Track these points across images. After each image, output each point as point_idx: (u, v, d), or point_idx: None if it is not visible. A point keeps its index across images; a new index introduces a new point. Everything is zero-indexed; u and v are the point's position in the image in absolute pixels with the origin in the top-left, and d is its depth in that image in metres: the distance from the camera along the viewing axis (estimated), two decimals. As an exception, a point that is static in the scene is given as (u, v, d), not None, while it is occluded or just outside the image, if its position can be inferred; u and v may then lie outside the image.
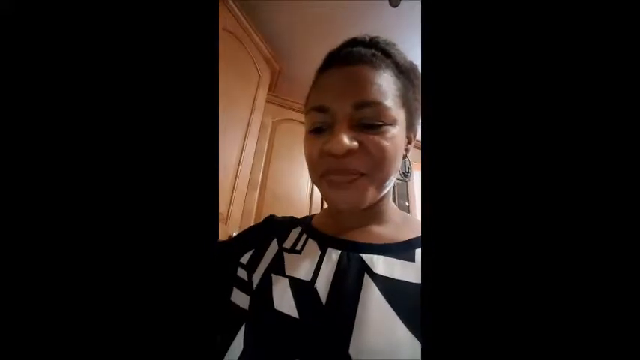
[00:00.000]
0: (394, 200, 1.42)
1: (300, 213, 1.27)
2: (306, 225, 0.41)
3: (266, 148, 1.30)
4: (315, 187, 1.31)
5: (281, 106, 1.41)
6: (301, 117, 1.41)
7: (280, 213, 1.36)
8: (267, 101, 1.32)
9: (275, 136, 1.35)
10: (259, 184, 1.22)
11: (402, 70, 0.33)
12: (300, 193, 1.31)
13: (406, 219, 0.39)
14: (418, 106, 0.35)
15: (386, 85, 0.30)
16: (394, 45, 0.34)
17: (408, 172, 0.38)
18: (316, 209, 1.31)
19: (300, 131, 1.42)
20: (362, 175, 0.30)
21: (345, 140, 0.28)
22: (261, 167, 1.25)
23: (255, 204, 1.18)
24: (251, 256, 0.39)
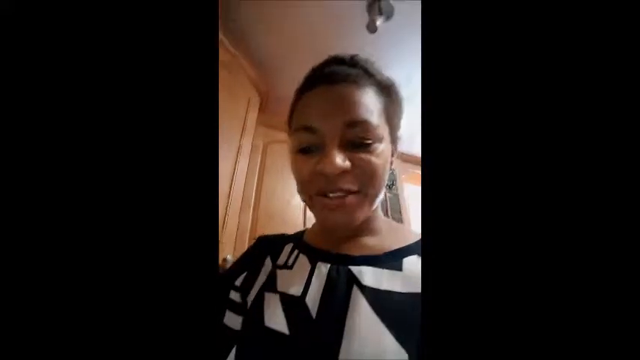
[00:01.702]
0: (387, 214, 1.43)
1: (294, 230, 1.26)
2: (298, 240, 0.42)
3: (258, 168, 1.32)
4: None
5: (272, 127, 1.44)
6: (291, 137, 1.45)
7: (274, 231, 1.34)
8: (257, 123, 1.35)
9: (267, 157, 1.37)
10: (252, 203, 1.23)
11: (382, 87, 0.34)
12: (294, 211, 1.32)
13: (394, 228, 0.40)
14: (398, 120, 0.36)
15: (372, 104, 0.31)
16: (373, 62, 0.35)
17: (392, 184, 0.40)
18: (309, 225, 1.30)
19: (291, 150, 1.45)
20: (354, 192, 0.30)
21: (338, 160, 0.28)
22: (254, 187, 1.26)
23: (250, 224, 1.18)
24: (245, 278, 0.39)
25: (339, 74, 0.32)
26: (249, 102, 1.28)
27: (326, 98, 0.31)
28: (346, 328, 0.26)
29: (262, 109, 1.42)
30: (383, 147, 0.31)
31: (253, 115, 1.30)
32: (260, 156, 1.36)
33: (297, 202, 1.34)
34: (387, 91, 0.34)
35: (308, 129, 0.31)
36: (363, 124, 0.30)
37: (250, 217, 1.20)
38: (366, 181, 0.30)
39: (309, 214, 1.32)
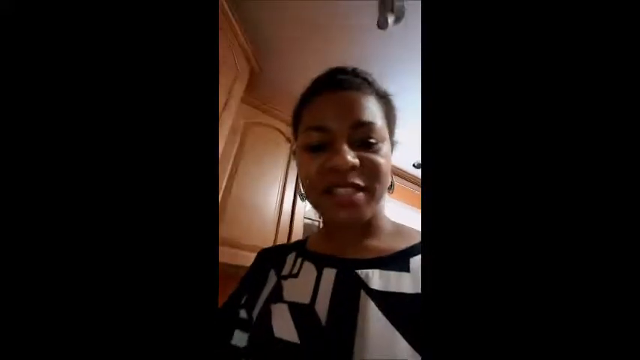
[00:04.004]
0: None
1: (267, 223, 1.22)
2: (301, 248, 0.42)
3: (235, 151, 1.23)
4: (285, 197, 1.28)
5: (255, 107, 1.35)
6: (275, 122, 1.37)
7: (246, 220, 1.28)
8: (241, 101, 1.25)
9: (246, 140, 1.28)
10: (224, 187, 1.15)
11: (381, 96, 0.38)
12: (268, 203, 1.25)
13: (399, 228, 0.40)
14: (394, 126, 0.40)
15: (375, 109, 0.35)
16: (371, 74, 0.39)
17: (391, 186, 0.41)
18: (285, 219, 1.27)
19: (273, 138, 1.38)
20: (362, 189, 0.32)
21: (348, 156, 0.30)
22: (227, 170, 1.18)
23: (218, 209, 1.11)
24: (249, 294, 0.40)
25: (346, 81, 0.36)
26: (237, 75, 1.16)
27: (336, 101, 0.34)
28: (357, 335, 0.27)
29: (249, 86, 1.31)
30: (386, 148, 0.34)
31: (239, 91, 1.19)
32: (239, 138, 1.26)
33: (273, 193, 1.28)
34: (385, 100, 0.38)
35: (319, 128, 0.34)
36: (369, 125, 0.33)
37: (219, 202, 1.12)
38: (372, 178, 0.32)
39: (286, 207, 1.29)
